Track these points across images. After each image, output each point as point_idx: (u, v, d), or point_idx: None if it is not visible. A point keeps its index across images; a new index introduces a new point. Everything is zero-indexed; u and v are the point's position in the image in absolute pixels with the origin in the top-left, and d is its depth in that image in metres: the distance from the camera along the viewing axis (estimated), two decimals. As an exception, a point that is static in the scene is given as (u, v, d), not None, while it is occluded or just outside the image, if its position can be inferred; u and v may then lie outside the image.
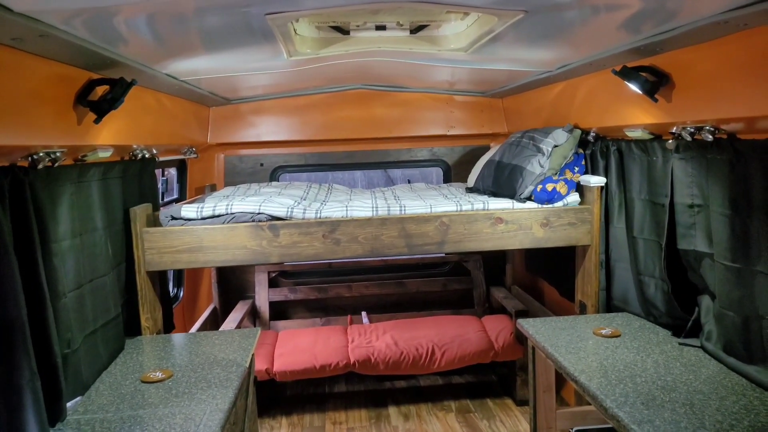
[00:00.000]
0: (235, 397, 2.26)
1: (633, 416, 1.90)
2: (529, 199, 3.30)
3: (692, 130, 2.33)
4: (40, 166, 2.03)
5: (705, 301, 2.46)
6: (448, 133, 4.81)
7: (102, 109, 2.19)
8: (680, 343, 2.52)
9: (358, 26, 2.68)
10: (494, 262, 5.00)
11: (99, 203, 2.61)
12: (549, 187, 3.21)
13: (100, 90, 2.22)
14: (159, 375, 2.41)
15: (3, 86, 1.69)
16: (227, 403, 2.15)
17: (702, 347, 2.42)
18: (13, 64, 1.71)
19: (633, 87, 2.39)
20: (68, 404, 2.09)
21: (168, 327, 3.27)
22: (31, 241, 1.89)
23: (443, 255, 5.18)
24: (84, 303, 2.36)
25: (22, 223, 1.87)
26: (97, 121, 2.21)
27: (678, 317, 2.63)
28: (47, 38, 1.64)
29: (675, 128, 2.43)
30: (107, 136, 2.49)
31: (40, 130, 1.96)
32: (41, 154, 2.02)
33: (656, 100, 2.36)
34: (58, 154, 2.11)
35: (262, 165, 4.87)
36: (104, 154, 2.57)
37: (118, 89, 2.19)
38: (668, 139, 2.56)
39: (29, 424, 1.76)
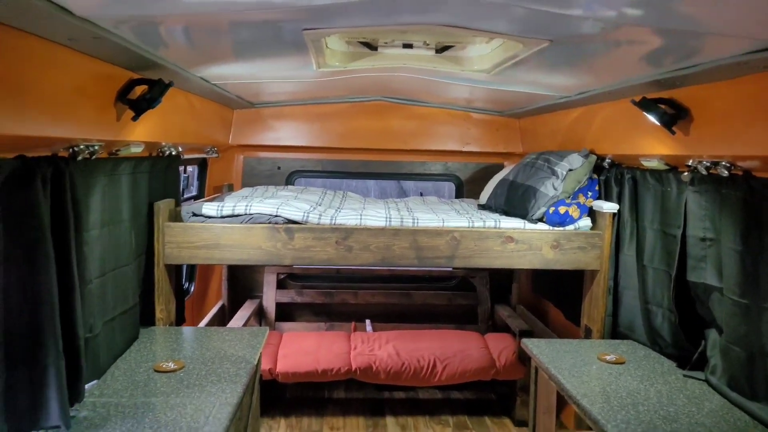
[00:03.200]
0: (243, 393, 2.31)
1: (633, 441, 1.94)
2: (540, 220, 3.35)
3: (708, 164, 2.38)
4: (80, 158, 2.13)
5: (712, 334, 2.49)
6: (463, 149, 4.88)
7: (140, 107, 2.28)
8: (685, 375, 2.55)
9: (386, 43, 2.76)
10: (501, 279, 5.04)
11: (127, 196, 2.70)
12: (561, 210, 3.26)
13: (139, 89, 2.32)
14: (171, 365, 2.47)
15: (54, 82, 1.79)
16: (236, 397, 2.21)
17: (706, 381, 2.45)
18: (65, 62, 1.82)
19: (651, 118, 2.45)
20: (85, 386, 2.16)
21: (179, 320, 3.34)
22: (66, 229, 1.97)
23: (450, 269, 5.23)
24: (106, 290, 2.44)
25: (59, 211, 1.95)
26: (135, 119, 2.31)
27: (684, 349, 2.66)
28: (99, 40, 1.74)
29: (691, 161, 2.49)
30: (141, 133, 2.58)
31: (82, 124, 2.05)
32: (81, 147, 2.11)
33: (674, 133, 2.41)
34: (96, 148, 2.21)
35: (279, 168, 4.96)
36: (136, 150, 2.66)
37: (156, 90, 2.29)
38: (684, 171, 2.61)
39: (51, 402, 1.83)
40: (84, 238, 2.19)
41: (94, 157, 2.20)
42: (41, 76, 1.72)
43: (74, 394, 2.00)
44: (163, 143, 3.04)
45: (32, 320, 1.80)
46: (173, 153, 3.21)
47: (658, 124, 2.43)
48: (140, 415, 2.04)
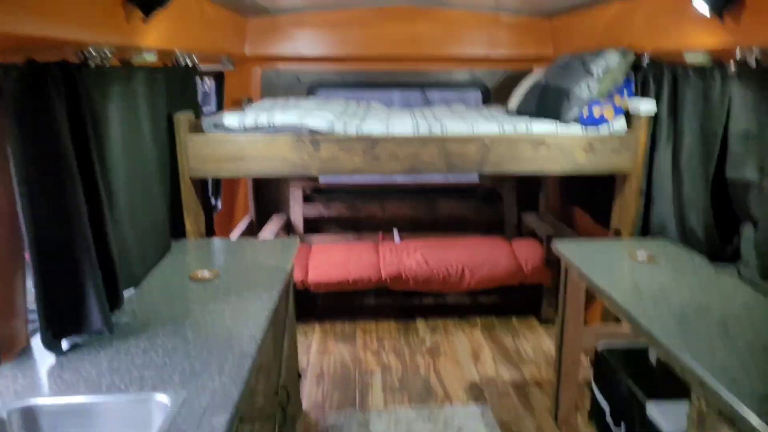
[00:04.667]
0: (279, 298, 2.36)
1: (665, 331, 1.95)
2: (574, 122, 3.23)
3: (758, 54, 2.22)
4: (91, 65, 2.05)
5: (746, 230, 2.44)
6: (491, 54, 4.68)
7: (150, 6, 2.17)
8: (717, 270, 2.53)
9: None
10: (528, 188, 4.98)
11: (145, 107, 2.64)
12: (596, 111, 3.13)
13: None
14: (207, 274, 2.52)
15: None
16: (272, 303, 2.26)
17: (739, 274, 2.43)
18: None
19: (700, 3, 2.27)
20: (123, 293, 2.22)
21: (209, 234, 3.39)
22: (86, 139, 1.93)
23: (477, 181, 5.18)
24: (135, 202, 2.45)
25: (76, 120, 1.90)
26: (145, 20, 2.20)
27: (717, 246, 2.62)
28: None
29: (739, 52, 2.32)
30: (152, 39, 2.49)
31: (90, 25, 1.96)
32: (92, 51, 2.03)
33: (723, 20, 2.24)
34: (107, 53, 2.13)
35: (299, 80, 4.83)
36: (150, 58, 2.57)
37: (167, -13, 2.17)
38: (729, 66, 2.45)
39: (92, 308, 1.88)
40: (107, 148, 2.17)
41: (106, 63, 2.13)
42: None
43: (113, 300, 2.06)
44: (177, 52, 2.94)
45: (64, 232, 1.80)
46: (188, 63, 3.11)
47: (708, 8, 2.25)
48: (180, 320, 2.10)
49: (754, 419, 1.42)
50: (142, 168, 2.59)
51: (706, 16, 2.32)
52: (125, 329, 2.02)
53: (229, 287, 2.41)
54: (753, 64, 2.27)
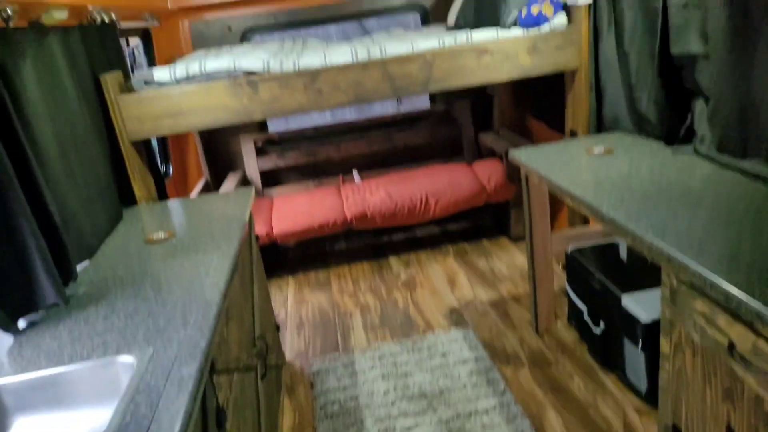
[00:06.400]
0: (239, 246, 2.29)
1: (629, 215, 1.95)
2: (514, 25, 3.15)
3: None
4: None
5: (698, 105, 2.44)
6: None
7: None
8: (673, 151, 2.54)
9: None
10: (481, 108, 4.93)
11: (66, 70, 2.46)
12: (534, 9, 3.05)
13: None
14: (162, 235, 2.43)
15: None
16: (233, 250, 2.19)
17: (695, 151, 2.44)
18: None
19: None
20: (77, 267, 2.12)
21: (162, 197, 3.26)
22: (3, 104, 1.79)
23: (429, 107, 5.10)
24: (73, 169, 2.31)
25: None
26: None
27: (671, 127, 2.62)
28: None
29: None
30: (59, -6, 2.29)
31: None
32: None
33: None
34: (9, 12, 1.94)
35: (230, 29, 4.59)
36: (60, 15, 2.37)
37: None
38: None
39: (42, 282, 1.78)
40: (28, 114, 2.01)
41: (10, 23, 1.95)
42: None
43: (66, 273, 1.96)
44: (90, 8, 2.73)
45: None
46: (105, 20, 2.90)
47: None
48: (139, 281, 2.02)
49: (723, 284, 1.43)
50: (74, 136, 2.43)
51: None
52: (83, 299, 1.94)
53: (187, 244, 2.32)
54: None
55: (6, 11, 1.92)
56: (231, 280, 2.00)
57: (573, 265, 3.08)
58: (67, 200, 2.20)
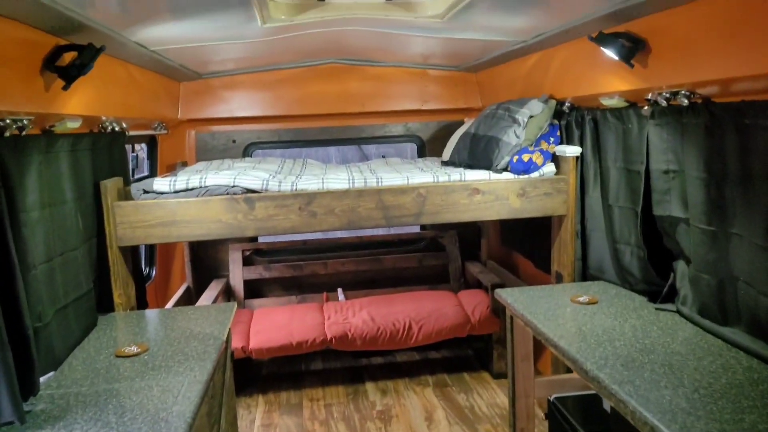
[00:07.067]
0: (213, 370, 2.22)
1: (613, 377, 1.92)
2: (505, 170, 3.30)
3: (668, 95, 2.35)
4: (7, 134, 1.95)
5: (680, 266, 2.50)
6: (423, 108, 4.79)
7: (70, 74, 2.10)
8: (657, 309, 2.57)
9: (333, -9, 2.62)
10: (469, 237, 5.03)
11: (68, 175, 2.51)
12: (525, 157, 3.22)
13: (68, 57, 2.13)
14: (134, 349, 2.35)
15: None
16: (205, 375, 2.11)
17: (678, 311, 2.47)
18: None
19: (609, 53, 2.40)
20: (41, 379, 2.02)
21: (141, 305, 3.20)
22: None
23: (419, 231, 5.20)
24: (54, 277, 2.28)
25: None
26: (65, 88, 2.12)
27: (654, 283, 2.67)
28: None
29: (650, 94, 2.45)
30: (76, 106, 2.40)
31: (6, 94, 1.86)
32: (8, 121, 1.93)
33: (632, 66, 2.37)
34: (25, 122, 2.03)
35: (234, 142, 4.78)
36: (73, 125, 2.47)
37: (87, 55, 2.11)
38: (644, 107, 2.58)
39: (1, 397, 1.69)
40: (22, 220, 2.02)
41: (24, 132, 2.02)
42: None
43: (27, 387, 1.87)
44: (104, 118, 2.85)
45: None
46: (116, 129, 3.01)
47: (617, 58, 2.39)
48: (103, 402, 1.92)
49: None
50: (64, 239, 2.43)
51: (617, 63, 2.45)
52: (40, 418, 1.83)
53: (159, 362, 2.24)
54: (664, 103, 2.39)
55: (22, 121, 2.00)
56: (198, 410, 1.91)
57: (555, 416, 2.98)
58: (44, 308, 2.15)
